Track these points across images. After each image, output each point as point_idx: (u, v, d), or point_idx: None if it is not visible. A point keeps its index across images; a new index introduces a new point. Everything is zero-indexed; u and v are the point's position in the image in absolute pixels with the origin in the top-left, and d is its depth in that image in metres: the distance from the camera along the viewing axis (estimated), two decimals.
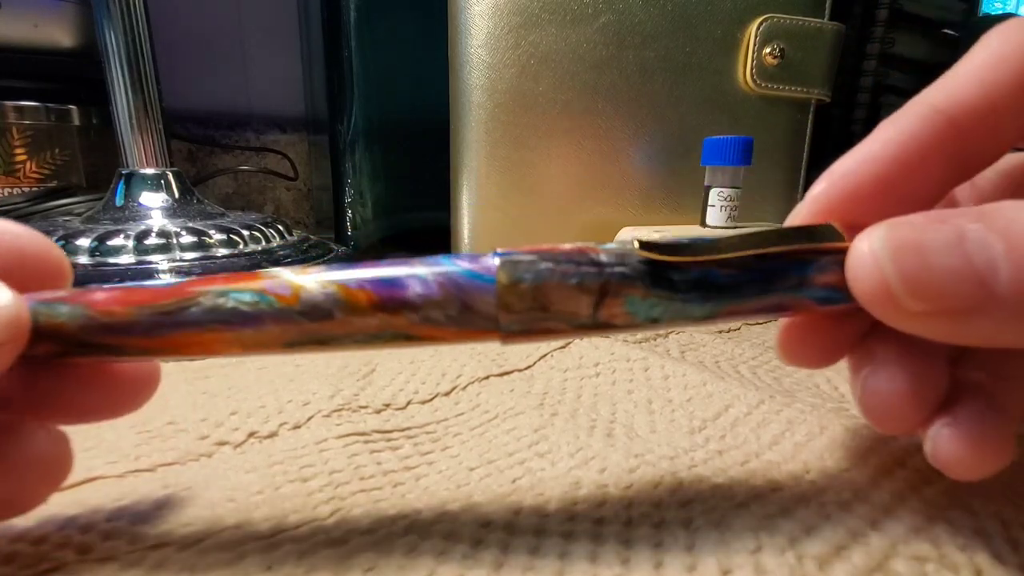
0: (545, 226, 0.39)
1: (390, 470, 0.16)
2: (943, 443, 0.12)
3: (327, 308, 0.11)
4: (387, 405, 0.20)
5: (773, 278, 0.12)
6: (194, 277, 0.12)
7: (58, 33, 0.42)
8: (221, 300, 0.12)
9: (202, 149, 0.59)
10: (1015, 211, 0.10)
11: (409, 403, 0.21)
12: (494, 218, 0.39)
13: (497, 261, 0.11)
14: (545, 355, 0.25)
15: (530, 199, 0.39)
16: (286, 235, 0.36)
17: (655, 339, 0.28)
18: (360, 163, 0.49)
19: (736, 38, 0.39)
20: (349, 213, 0.50)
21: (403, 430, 0.19)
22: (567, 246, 0.12)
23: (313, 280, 0.12)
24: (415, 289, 0.11)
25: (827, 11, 0.40)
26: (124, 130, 0.35)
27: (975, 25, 0.61)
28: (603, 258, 0.12)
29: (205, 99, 0.58)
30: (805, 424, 0.18)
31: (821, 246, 0.12)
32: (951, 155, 0.12)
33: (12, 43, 0.41)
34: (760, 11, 0.38)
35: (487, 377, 0.23)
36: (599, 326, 0.12)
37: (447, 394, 0.22)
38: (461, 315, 0.11)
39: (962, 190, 0.15)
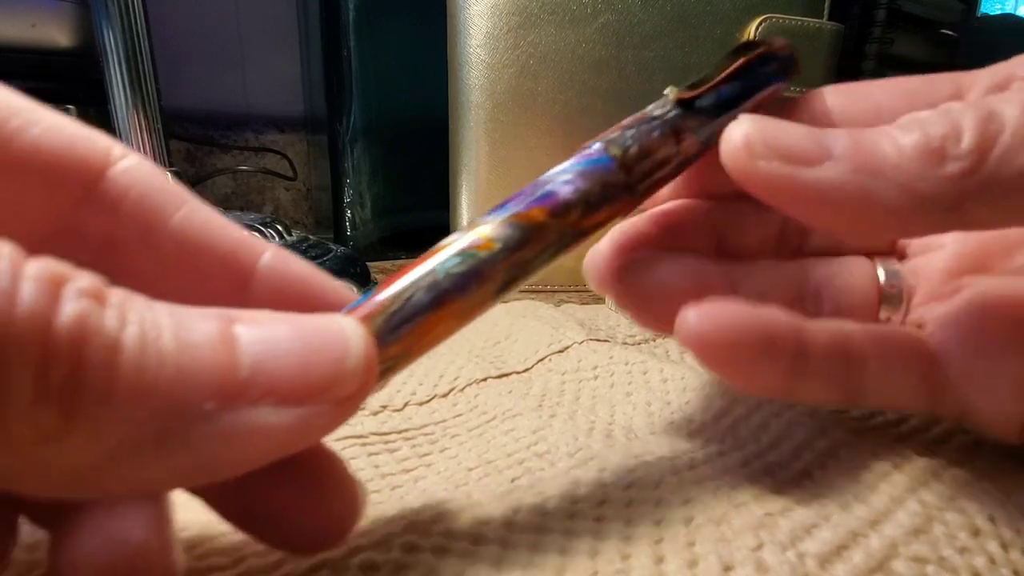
0: None
1: (388, 473, 0.16)
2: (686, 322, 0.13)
3: (518, 235, 0.13)
4: (384, 407, 0.20)
5: (752, 79, 0.16)
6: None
7: (56, 33, 0.42)
8: (434, 278, 0.12)
9: (201, 149, 0.59)
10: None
11: (406, 404, 0.21)
12: None
13: (599, 145, 0.14)
14: (543, 358, 0.25)
15: None
16: (285, 235, 0.36)
17: (654, 341, 0.27)
18: (359, 163, 0.49)
19: (735, 38, 0.39)
20: (348, 213, 0.50)
21: (400, 432, 0.19)
22: (624, 121, 0.15)
23: (490, 223, 0.13)
24: (567, 190, 0.13)
25: (826, 11, 0.40)
26: (123, 130, 0.35)
27: (973, 26, 0.61)
28: (656, 112, 0.15)
29: (204, 99, 0.58)
30: (805, 428, 0.18)
31: (765, 49, 0.16)
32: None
33: (10, 43, 0.40)
34: (759, 11, 0.38)
35: (485, 379, 0.23)
36: (687, 159, 0.15)
37: (445, 396, 0.22)
38: (604, 192, 0.14)
39: None
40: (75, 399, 0.07)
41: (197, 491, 0.12)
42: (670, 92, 0.15)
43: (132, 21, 0.33)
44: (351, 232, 0.51)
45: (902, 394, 0.16)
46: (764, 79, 0.16)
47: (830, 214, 0.12)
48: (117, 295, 0.08)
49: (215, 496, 0.12)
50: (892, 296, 0.16)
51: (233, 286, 0.12)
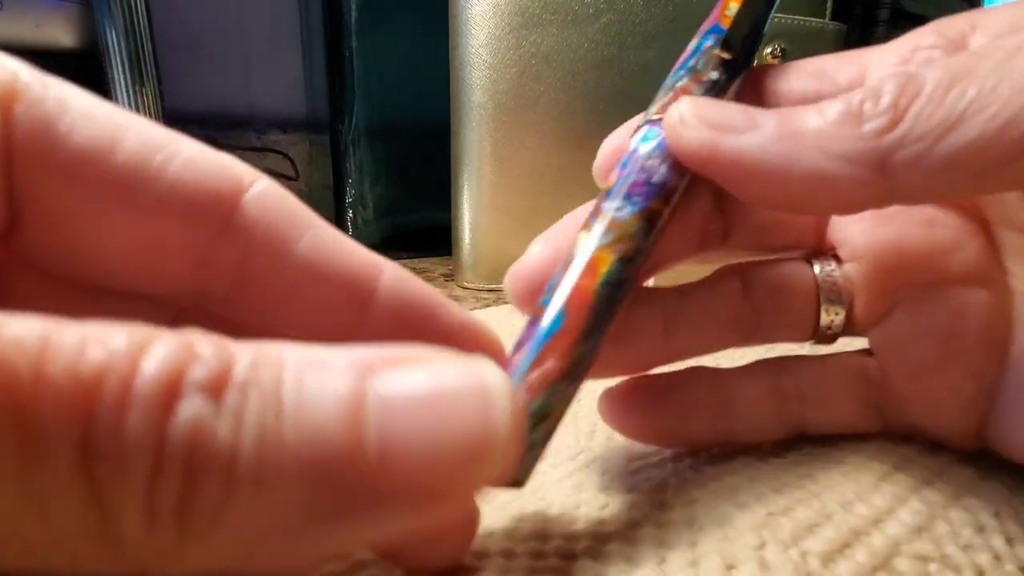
0: (546, 226, 0.39)
1: None
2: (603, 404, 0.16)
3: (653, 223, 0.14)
4: None
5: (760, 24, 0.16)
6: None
7: (59, 33, 0.42)
8: (604, 288, 0.13)
9: None
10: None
11: None
12: (495, 218, 0.39)
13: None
14: None
15: (531, 199, 0.39)
16: None
17: None
18: (361, 163, 0.49)
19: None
20: (350, 213, 0.50)
21: None
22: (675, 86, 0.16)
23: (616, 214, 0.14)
24: (663, 171, 0.14)
25: (828, 11, 0.40)
26: None
27: None
28: (712, 75, 0.15)
29: (206, 99, 0.58)
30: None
31: None
32: None
33: (13, 43, 0.41)
34: None
35: None
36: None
37: None
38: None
39: None
40: (189, 514, 0.07)
41: None
42: (715, 52, 0.15)
43: (135, 22, 0.33)
44: (353, 232, 0.51)
45: (846, 420, 0.17)
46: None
47: (756, 183, 0.13)
48: (241, 366, 0.07)
49: None
50: (832, 296, 0.16)
51: (355, 308, 0.12)
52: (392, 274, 0.12)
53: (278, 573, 0.08)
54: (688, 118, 0.13)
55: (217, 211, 0.11)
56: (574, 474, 0.16)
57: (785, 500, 0.14)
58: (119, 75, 0.34)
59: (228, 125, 0.60)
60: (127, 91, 0.34)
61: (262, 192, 0.11)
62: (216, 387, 0.07)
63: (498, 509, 0.15)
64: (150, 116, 0.35)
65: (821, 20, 0.40)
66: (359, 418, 0.07)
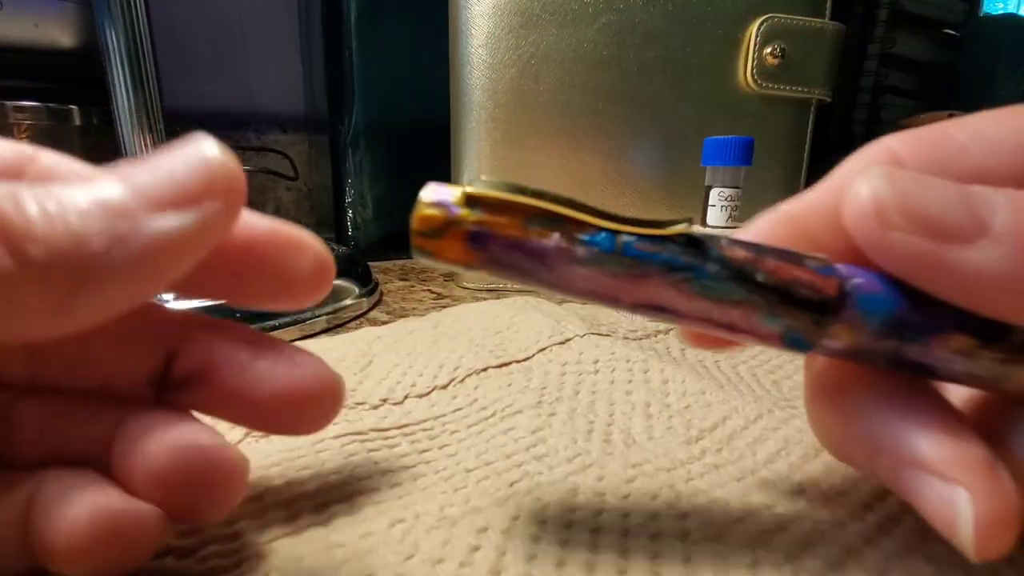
0: None
1: (387, 470, 0.16)
2: None
3: None
4: (384, 400, 0.20)
5: None
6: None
7: (59, 33, 0.42)
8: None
9: None
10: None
11: (406, 397, 0.21)
12: None
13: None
14: (544, 348, 0.25)
15: None
16: None
17: (655, 336, 0.27)
18: (361, 163, 0.49)
19: (737, 38, 0.39)
20: (349, 213, 0.50)
21: (400, 427, 0.19)
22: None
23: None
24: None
25: (828, 11, 0.40)
26: (125, 130, 0.35)
27: (976, 25, 0.61)
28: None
29: (206, 99, 0.58)
30: (801, 445, 0.18)
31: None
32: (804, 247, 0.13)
33: (13, 43, 0.41)
34: (761, 11, 0.38)
35: (485, 369, 0.23)
36: None
37: (444, 387, 0.22)
38: None
39: None
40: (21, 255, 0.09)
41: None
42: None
43: (134, 21, 0.33)
44: (352, 232, 0.51)
45: None
46: None
47: (991, 301, 0.10)
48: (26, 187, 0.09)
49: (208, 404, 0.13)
50: None
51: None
52: (43, 161, 0.13)
53: (118, 306, 0.10)
54: (890, 212, 0.10)
55: None
56: (569, 477, 0.16)
57: (779, 516, 0.14)
58: (118, 75, 0.34)
59: (228, 125, 0.60)
60: (126, 91, 0.34)
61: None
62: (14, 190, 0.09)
63: (495, 505, 0.15)
64: (150, 116, 0.35)
65: (821, 20, 0.40)
66: (106, 185, 0.10)
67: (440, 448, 0.18)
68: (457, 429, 0.19)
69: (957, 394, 0.14)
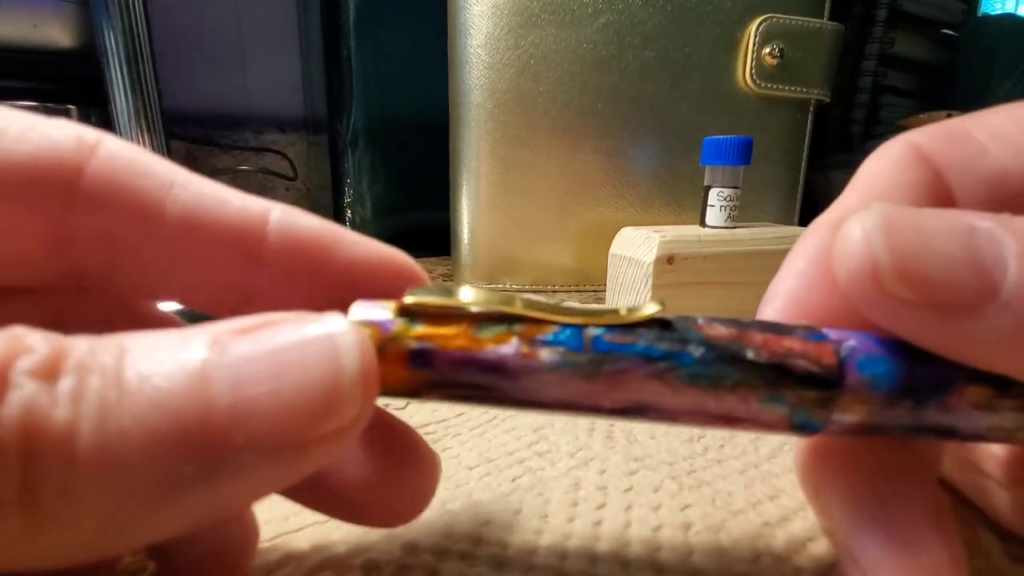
0: (544, 226, 0.39)
1: None
2: None
3: None
4: (386, 405, 0.20)
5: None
6: None
7: (57, 33, 0.42)
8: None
9: (201, 149, 0.59)
10: None
11: (408, 404, 0.21)
12: (494, 218, 0.39)
13: None
14: None
15: (530, 199, 0.39)
16: None
17: None
18: (359, 163, 0.49)
19: (736, 38, 0.39)
20: (348, 213, 0.50)
21: None
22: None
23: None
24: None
25: (826, 11, 0.40)
26: (123, 130, 0.35)
27: (974, 25, 0.62)
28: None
29: (204, 99, 0.58)
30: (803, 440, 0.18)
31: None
32: None
33: (11, 43, 0.40)
34: (759, 11, 0.38)
35: None
36: None
37: None
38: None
39: None
40: (34, 501, 0.07)
41: None
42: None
43: (133, 22, 0.33)
44: None
45: None
46: None
47: (1005, 364, 0.09)
48: (76, 352, 0.07)
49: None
50: None
51: (245, 258, 0.11)
52: (280, 217, 0.11)
53: (145, 543, 0.08)
54: (888, 276, 0.09)
55: (58, 182, 0.10)
56: (572, 472, 0.16)
57: (780, 509, 0.14)
58: (117, 75, 0.34)
59: (226, 125, 0.60)
60: (125, 91, 0.34)
61: (108, 154, 0.10)
62: (49, 373, 0.07)
63: (497, 500, 0.15)
64: (148, 116, 0.35)
65: (819, 20, 0.40)
66: (206, 381, 0.07)
67: (443, 450, 0.18)
68: (459, 432, 0.19)
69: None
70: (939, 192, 0.12)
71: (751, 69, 0.39)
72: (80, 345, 0.07)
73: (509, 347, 0.09)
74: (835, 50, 0.41)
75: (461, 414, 0.20)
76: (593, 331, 0.10)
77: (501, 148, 0.38)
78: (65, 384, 0.07)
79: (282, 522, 0.14)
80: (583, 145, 0.39)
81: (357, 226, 0.51)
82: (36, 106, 0.43)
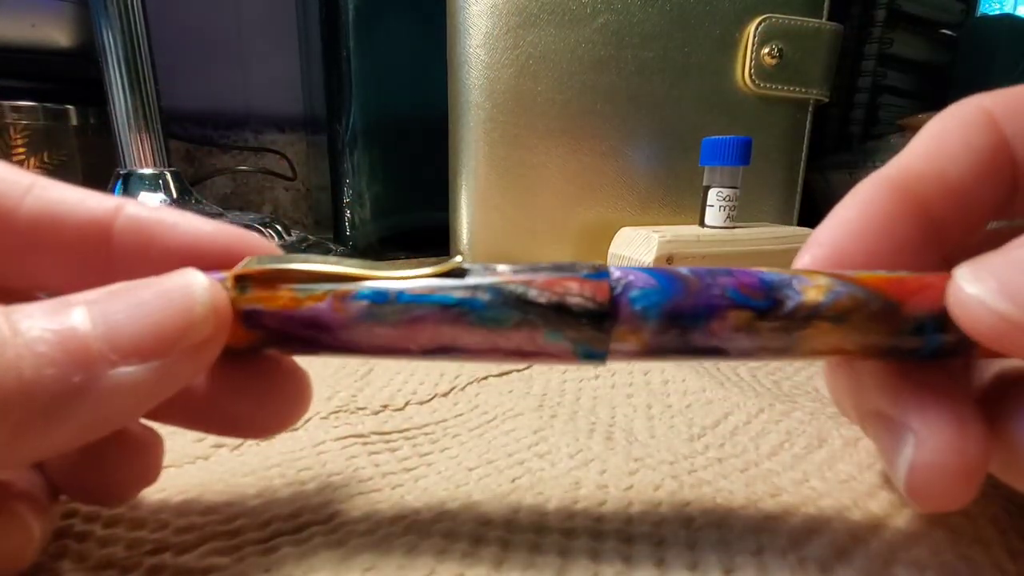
0: (544, 227, 0.39)
1: (388, 472, 0.16)
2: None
3: None
4: (385, 406, 0.20)
5: None
6: None
7: (56, 33, 0.42)
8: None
9: (200, 149, 0.59)
10: None
11: (407, 404, 0.21)
12: (493, 218, 0.39)
13: None
14: None
15: (529, 199, 0.39)
16: (284, 235, 0.36)
17: None
18: (359, 163, 0.49)
19: (735, 38, 0.39)
20: (347, 213, 0.50)
21: (401, 431, 0.19)
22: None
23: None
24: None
25: (825, 11, 0.40)
26: (122, 130, 0.35)
27: (973, 25, 0.62)
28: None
29: (203, 99, 0.58)
30: (804, 436, 0.18)
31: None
32: (917, 222, 0.12)
33: (10, 43, 0.40)
34: (758, 11, 0.38)
35: (486, 377, 0.23)
36: None
37: (445, 395, 0.22)
38: None
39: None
40: None
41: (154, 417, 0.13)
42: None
43: (132, 21, 0.33)
44: (350, 232, 0.51)
45: None
46: None
47: None
48: None
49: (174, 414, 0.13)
50: None
51: (96, 247, 0.12)
52: (127, 209, 0.12)
53: (53, 452, 0.10)
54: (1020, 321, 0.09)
55: None
56: (572, 472, 0.16)
57: (783, 504, 0.14)
58: (115, 74, 0.34)
59: (225, 125, 0.60)
60: (123, 90, 0.34)
61: None
62: None
63: (497, 500, 0.15)
64: (147, 116, 0.35)
65: (818, 20, 0.40)
66: (84, 320, 0.09)
67: (442, 451, 0.18)
68: (459, 433, 0.19)
69: None
70: (1002, 161, 0.12)
71: (750, 69, 0.39)
72: None
73: (324, 304, 0.11)
74: (834, 50, 0.41)
75: (460, 415, 0.20)
76: (397, 284, 0.11)
77: (500, 148, 0.38)
78: None
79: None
80: (582, 145, 0.39)
81: (356, 225, 0.50)
82: (35, 106, 0.43)
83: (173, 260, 0.12)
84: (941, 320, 0.11)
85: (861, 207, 0.12)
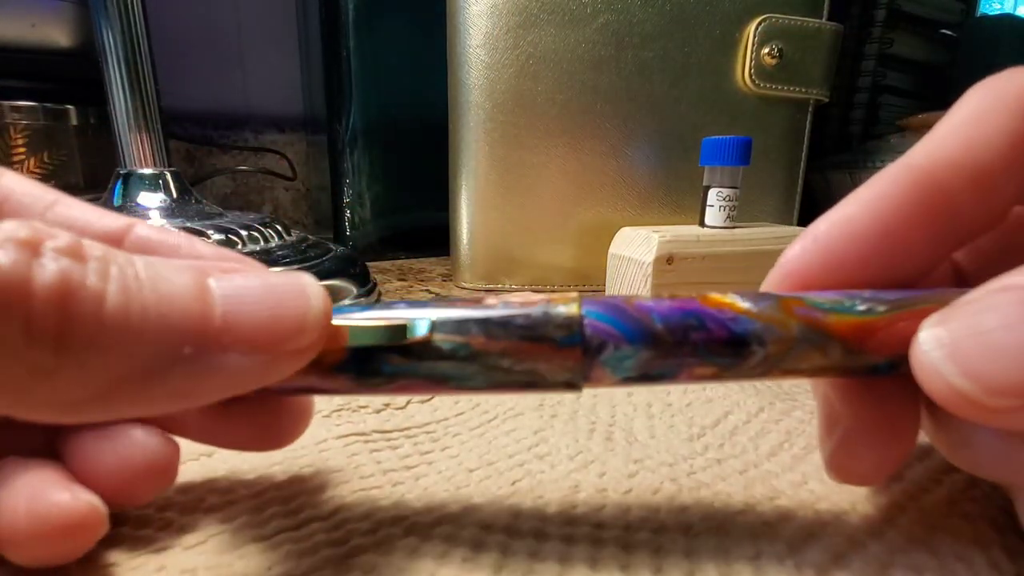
0: (544, 227, 0.39)
1: (390, 469, 0.16)
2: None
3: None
4: (387, 405, 0.20)
5: None
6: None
7: (56, 33, 0.42)
8: None
9: (200, 149, 0.59)
10: None
11: (409, 402, 0.21)
12: (492, 218, 0.39)
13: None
14: None
15: (528, 199, 0.39)
16: (284, 235, 0.36)
17: None
18: (358, 163, 0.49)
19: (735, 38, 0.39)
20: (347, 213, 0.50)
21: (403, 430, 0.19)
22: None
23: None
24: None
25: (825, 11, 0.40)
26: (122, 130, 0.34)
27: (973, 25, 0.62)
28: None
29: (203, 99, 0.58)
30: (804, 436, 0.18)
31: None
32: (938, 217, 0.12)
33: (9, 43, 0.40)
34: (758, 11, 0.38)
35: None
36: None
37: None
38: None
39: (964, 254, 0.15)
40: (64, 344, 0.08)
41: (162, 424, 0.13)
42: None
43: (132, 21, 0.33)
44: (350, 232, 0.51)
45: None
46: None
47: None
48: (96, 249, 0.09)
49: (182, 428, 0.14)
50: None
51: None
52: (140, 231, 0.13)
53: (135, 414, 0.10)
54: (974, 394, 0.09)
55: None
56: (571, 475, 0.16)
57: (781, 508, 0.14)
58: (115, 75, 0.34)
59: (225, 125, 0.60)
60: (123, 90, 0.34)
61: (2, 183, 0.12)
62: (75, 254, 0.09)
63: (498, 503, 0.15)
64: (147, 116, 0.35)
65: (818, 20, 0.40)
66: (207, 291, 0.10)
67: (443, 450, 0.18)
68: (459, 432, 0.19)
69: None
70: None
71: (750, 69, 0.39)
72: (95, 245, 0.09)
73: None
74: (834, 50, 0.41)
75: (461, 413, 0.20)
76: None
77: (500, 148, 0.38)
78: (92, 265, 0.09)
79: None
80: (582, 145, 0.39)
81: (356, 226, 0.50)
82: (35, 106, 0.43)
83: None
84: (900, 361, 0.11)
85: (873, 204, 0.12)
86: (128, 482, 0.12)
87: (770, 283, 0.13)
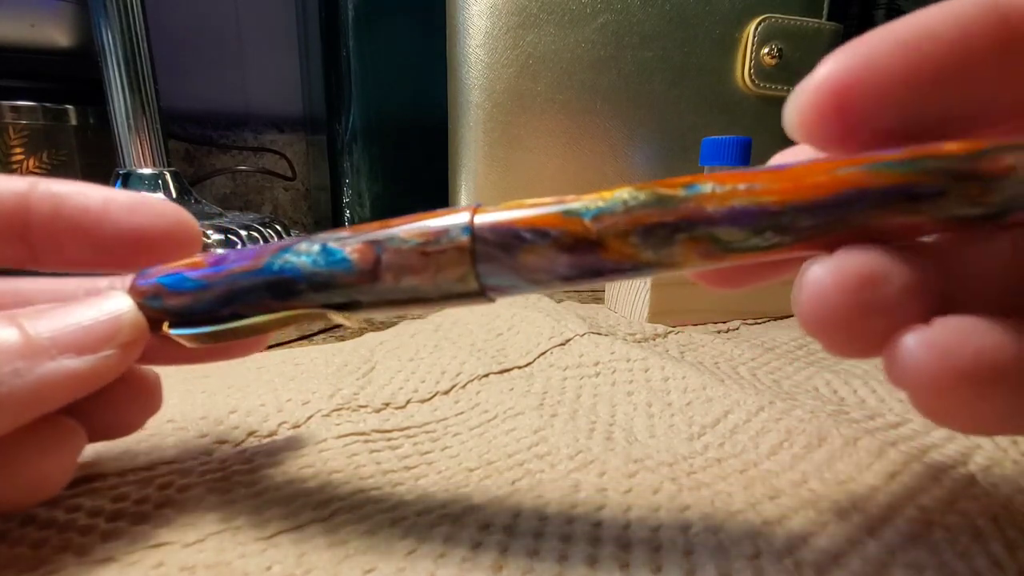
0: None
1: (389, 470, 0.16)
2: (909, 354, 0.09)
3: None
4: (387, 404, 0.20)
5: None
6: None
7: (55, 33, 0.42)
8: None
9: (200, 149, 0.59)
10: None
11: (409, 402, 0.21)
12: None
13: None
14: (545, 352, 0.25)
15: (528, 199, 0.39)
16: (284, 235, 0.36)
17: (654, 339, 0.27)
18: (358, 163, 0.49)
19: (734, 38, 0.39)
20: (347, 213, 0.50)
21: (403, 430, 0.19)
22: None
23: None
24: None
25: (825, 11, 0.40)
26: (121, 130, 0.34)
27: None
28: None
29: (203, 99, 0.58)
30: (804, 435, 0.18)
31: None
32: (1004, 65, 0.09)
33: (9, 42, 0.40)
34: (758, 11, 0.39)
35: (487, 375, 0.23)
36: None
37: (447, 392, 0.22)
38: None
39: None
40: None
41: None
42: None
43: (131, 21, 0.33)
44: None
45: None
46: None
47: None
48: None
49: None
50: None
51: (13, 221, 0.14)
52: (43, 184, 0.14)
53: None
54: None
55: None
56: (571, 474, 0.16)
57: (780, 508, 0.14)
58: (115, 74, 0.34)
59: (225, 125, 0.60)
60: (123, 90, 0.34)
61: None
62: None
63: (497, 503, 0.15)
64: (146, 116, 0.35)
65: (818, 20, 0.40)
66: (35, 330, 0.12)
67: (442, 450, 0.18)
68: (459, 431, 0.19)
69: None
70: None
71: (750, 69, 0.39)
72: None
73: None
74: (833, 50, 0.41)
75: (461, 413, 0.20)
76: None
77: (499, 148, 0.38)
78: None
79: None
80: (581, 145, 0.39)
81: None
82: (34, 106, 0.43)
83: (89, 217, 0.14)
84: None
85: (959, 27, 0.09)
86: (119, 417, 0.15)
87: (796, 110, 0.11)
